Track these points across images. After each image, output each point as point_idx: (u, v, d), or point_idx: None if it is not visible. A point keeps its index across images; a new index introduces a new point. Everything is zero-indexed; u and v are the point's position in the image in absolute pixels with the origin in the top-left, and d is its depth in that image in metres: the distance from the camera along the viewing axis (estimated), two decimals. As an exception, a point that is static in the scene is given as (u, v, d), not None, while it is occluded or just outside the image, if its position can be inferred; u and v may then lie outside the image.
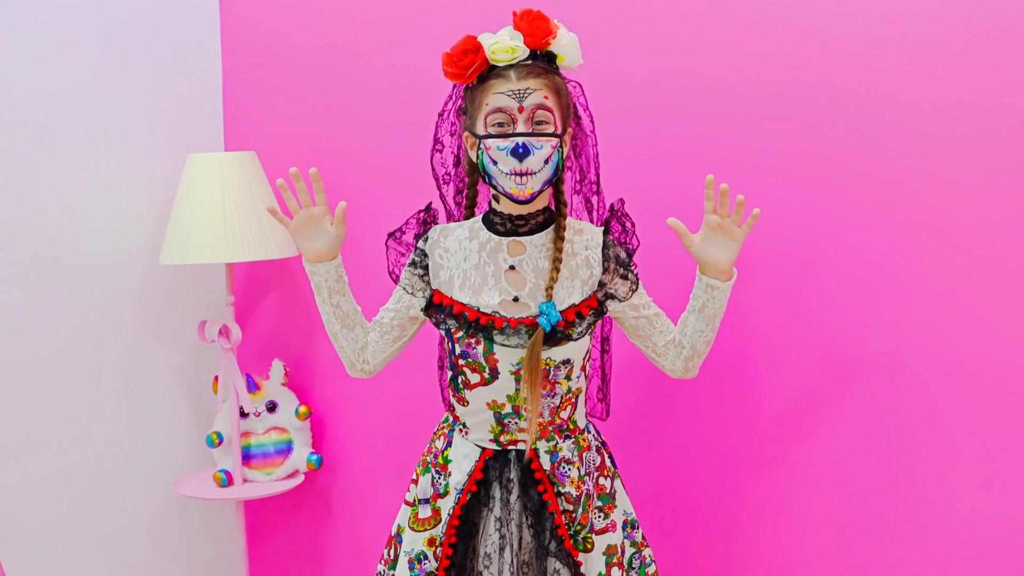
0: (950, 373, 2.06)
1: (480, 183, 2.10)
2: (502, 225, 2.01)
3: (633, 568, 2.14)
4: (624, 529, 2.13)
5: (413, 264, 2.07)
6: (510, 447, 2.04)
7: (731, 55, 2.30)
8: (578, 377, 2.04)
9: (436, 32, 2.52)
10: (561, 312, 1.96)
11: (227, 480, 2.96)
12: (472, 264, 2.02)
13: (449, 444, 2.10)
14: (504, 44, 1.91)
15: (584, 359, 2.04)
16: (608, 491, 2.10)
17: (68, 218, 2.95)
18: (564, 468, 2.04)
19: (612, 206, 2.05)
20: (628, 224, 2.03)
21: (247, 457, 3.01)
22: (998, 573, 2.05)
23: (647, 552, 2.17)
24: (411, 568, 2.10)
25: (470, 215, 2.13)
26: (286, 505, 3.27)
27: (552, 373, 1.99)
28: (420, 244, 2.07)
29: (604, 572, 2.05)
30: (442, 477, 2.09)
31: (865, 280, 2.17)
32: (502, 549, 2.03)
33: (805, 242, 2.23)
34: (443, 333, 2.06)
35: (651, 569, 2.16)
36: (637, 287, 2.02)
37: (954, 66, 2.00)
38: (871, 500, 2.22)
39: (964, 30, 1.98)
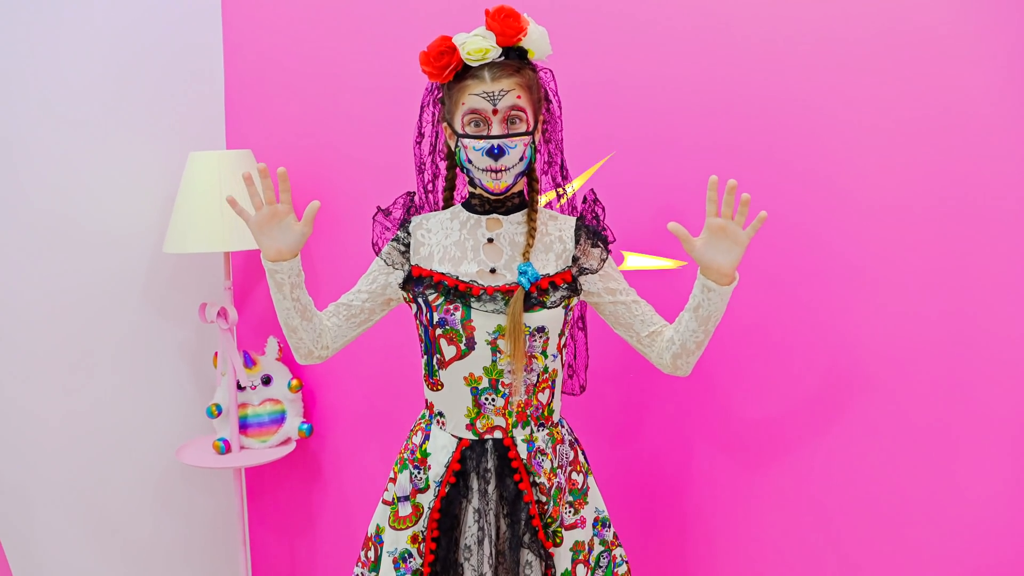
0: (931, 366, 2.04)
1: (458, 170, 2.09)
2: (481, 206, 2.01)
3: (600, 567, 2.09)
4: (594, 527, 2.09)
5: (396, 239, 2.05)
6: (487, 436, 2.00)
7: (709, 54, 2.29)
8: (555, 357, 2.01)
9: (423, 37, 2.49)
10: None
11: (225, 448, 3.02)
12: (452, 240, 2.01)
13: (427, 438, 2.06)
14: (477, 45, 1.90)
15: (560, 338, 2.01)
16: (580, 487, 2.07)
17: (81, 209, 2.98)
18: (539, 458, 2.01)
19: (585, 197, 2.05)
20: (599, 211, 2.03)
21: (244, 426, 3.07)
22: (990, 564, 2.01)
23: (618, 552, 2.13)
24: (396, 567, 2.05)
25: (449, 200, 2.12)
26: (280, 470, 3.33)
27: (528, 343, 1.96)
28: (404, 224, 2.06)
29: (570, 569, 2.02)
30: (421, 472, 2.05)
31: (846, 276, 2.14)
32: (481, 541, 2.00)
33: (788, 240, 2.21)
34: (421, 305, 2.01)
35: (621, 569, 2.12)
36: (607, 255, 2.00)
37: (929, 67, 1.99)
38: (853, 498, 2.19)
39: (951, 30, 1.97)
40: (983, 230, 1.94)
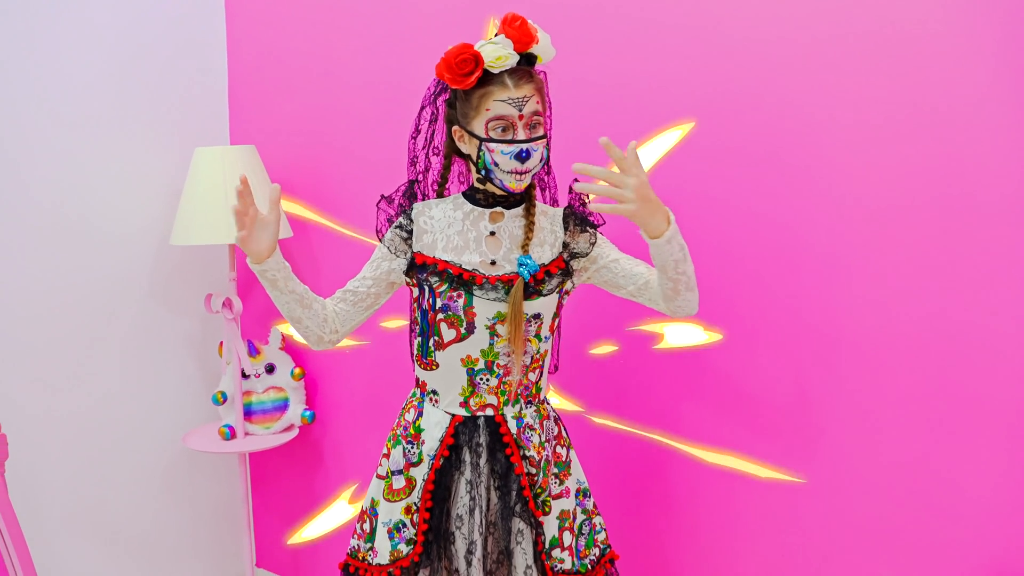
0: (886, 341, 2.12)
1: (453, 167, 2.14)
2: (485, 201, 2.05)
3: (583, 534, 2.17)
4: (576, 496, 2.17)
5: (399, 227, 2.08)
6: (479, 412, 2.07)
7: (683, 55, 2.34)
8: (546, 339, 2.08)
9: (423, 35, 2.56)
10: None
11: (230, 434, 3.05)
12: (456, 230, 2.05)
13: (420, 414, 2.11)
14: (496, 53, 1.92)
15: (553, 320, 2.08)
16: (564, 459, 2.14)
17: (91, 203, 3.00)
18: (528, 433, 2.08)
19: (570, 187, 2.07)
20: (584, 199, 2.07)
21: (248, 413, 3.11)
22: (921, 519, 2.12)
23: (597, 520, 2.20)
24: (391, 537, 2.11)
25: (441, 191, 2.15)
26: (283, 455, 3.38)
27: (524, 328, 2.02)
28: (407, 211, 2.09)
29: (557, 535, 2.10)
30: (414, 447, 2.10)
31: (811, 260, 2.20)
32: (472, 511, 2.05)
33: (781, 236, 2.25)
34: (424, 291, 2.05)
35: (600, 536, 2.20)
36: (597, 238, 2.06)
37: (895, 65, 2.04)
38: (817, 465, 2.26)
39: (919, 28, 2.01)
40: (974, 226, 1.98)
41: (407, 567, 2.08)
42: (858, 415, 2.20)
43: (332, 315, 2.10)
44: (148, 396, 3.22)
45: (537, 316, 2.04)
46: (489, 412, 2.07)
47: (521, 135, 1.95)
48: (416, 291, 2.11)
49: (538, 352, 2.08)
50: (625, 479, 2.58)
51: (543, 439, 2.10)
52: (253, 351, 3.14)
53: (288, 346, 3.22)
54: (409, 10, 2.83)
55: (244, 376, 3.12)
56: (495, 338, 2.02)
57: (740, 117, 2.26)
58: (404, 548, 2.10)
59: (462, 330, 2.03)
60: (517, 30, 1.93)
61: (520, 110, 1.94)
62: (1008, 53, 1.90)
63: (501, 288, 2.01)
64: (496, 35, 1.95)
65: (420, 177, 2.15)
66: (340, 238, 3.05)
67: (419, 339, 2.11)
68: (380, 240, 2.11)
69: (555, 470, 2.12)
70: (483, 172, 2.00)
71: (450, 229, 2.06)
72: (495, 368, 2.04)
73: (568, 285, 2.10)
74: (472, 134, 1.98)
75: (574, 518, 2.15)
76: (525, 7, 2.38)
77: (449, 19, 2.65)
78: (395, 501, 2.11)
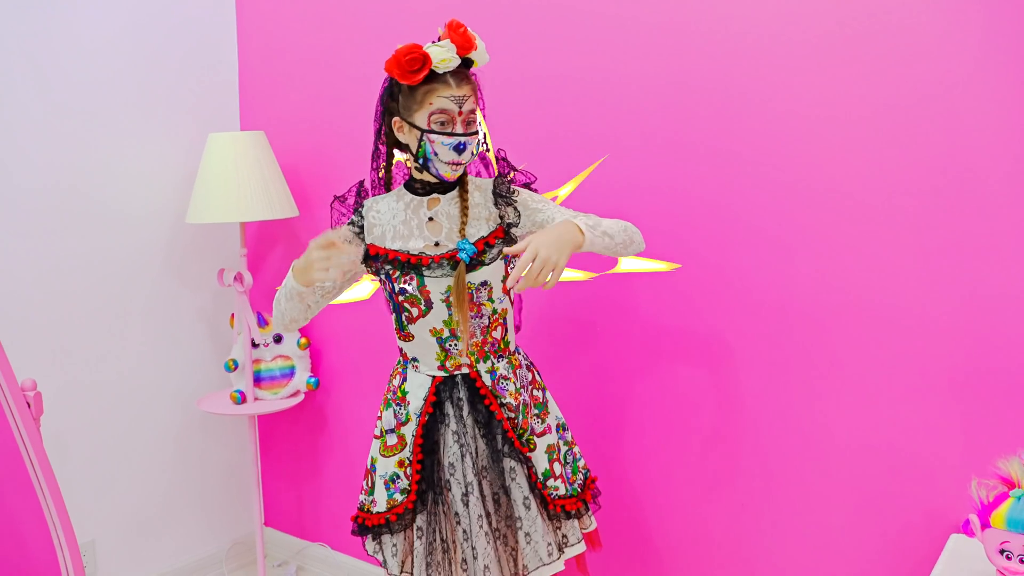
0: (834, 315, 2.25)
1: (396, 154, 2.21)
2: (423, 189, 2.16)
3: (568, 463, 2.28)
4: (557, 431, 2.28)
5: (351, 223, 2.20)
6: (456, 372, 2.18)
7: (641, 51, 2.42)
8: (501, 300, 2.17)
9: (420, 28, 2.58)
10: (474, 244, 2.11)
11: (241, 399, 3.14)
12: (400, 220, 2.16)
13: (404, 379, 2.22)
14: (442, 55, 2.02)
15: (503, 282, 2.16)
16: (541, 400, 2.26)
17: (111, 184, 3.07)
18: (503, 384, 2.18)
19: (496, 157, 2.20)
20: (509, 166, 2.20)
21: (257, 380, 3.19)
22: (870, 476, 2.25)
23: (576, 449, 2.32)
24: (387, 488, 2.21)
25: (388, 182, 2.24)
26: (290, 419, 3.47)
27: (475, 295, 2.11)
28: (358, 209, 2.20)
29: (548, 467, 2.21)
30: (402, 408, 2.21)
31: (764, 241, 2.32)
32: (463, 457, 2.15)
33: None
34: (383, 278, 2.17)
35: (581, 463, 2.32)
36: (519, 212, 2.15)
37: (838, 61, 2.15)
38: (769, 416, 2.39)
39: (853, 29, 2.12)
40: (959, 218, 2.06)
41: (402, 513, 2.20)
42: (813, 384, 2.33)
43: (310, 307, 2.26)
44: (165, 363, 3.28)
45: (485, 283, 2.13)
46: (465, 370, 2.18)
47: (459, 130, 2.07)
48: (377, 279, 2.22)
49: (495, 312, 2.17)
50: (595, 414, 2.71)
51: (518, 386, 2.21)
52: (262, 322, 3.20)
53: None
54: (407, 3, 2.88)
55: (254, 345, 3.18)
56: (451, 309, 2.14)
57: (720, 112, 2.35)
58: (399, 497, 2.21)
59: (422, 307, 2.14)
60: (460, 36, 2.04)
61: (460, 107, 2.06)
62: (992, 48, 1.97)
63: (446, 265, 2.11)
64: (441, 39, 2.05)
65: (377, 170, 2.23)
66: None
67: (394, 315, 2.22)
68: None
69: (535, 411, 2.23)
70: (421, 161, 2.10)
71: (395, 220, 2.17)
72: (459, 334, 2.16)
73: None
74: (414, 125, 2.08)
75: (559, 450, 2.26)
76: (519, 6, 2.54)
77: (448, 12, 2.63)
78: (389, 456, 2.23)
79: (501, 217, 2.17)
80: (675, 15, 2.39)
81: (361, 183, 2.26)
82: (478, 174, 2.29)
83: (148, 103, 3.16)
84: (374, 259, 2.19)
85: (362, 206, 2.23)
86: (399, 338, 2.24)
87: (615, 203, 2.53)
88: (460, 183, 2.18)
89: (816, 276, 2.29)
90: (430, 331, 2.18)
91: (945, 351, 2.14)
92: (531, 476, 2.20)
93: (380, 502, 2.25)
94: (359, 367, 3.23)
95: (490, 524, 2.16)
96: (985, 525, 1.83)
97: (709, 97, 2.37)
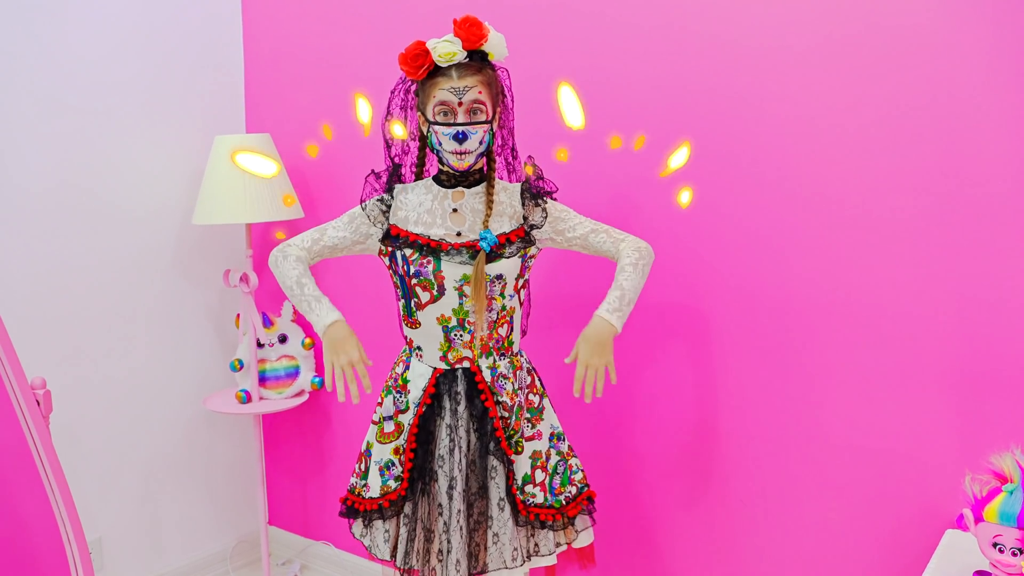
0: (829, 314, 2.26)
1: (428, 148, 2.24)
2: (448, 181, 2.20)
3: (558, 473, 2.28)
4: (551, 440, 2.29)
5: (380, 200, 2.24)
6: (457, 365, 2.20)
7: (648, 56, 2.44)
8: (511, 297, 2.20)
9: (422, 31, 2.40)
10: (495, 236, 2.16)
11: (247, 398, 3.14)
12: (425, 208, 2.20)
13: (407, 368, 2.26)
14: (446, 49, 2.08)
15: (516, 280, 2.20)
16: (536, 406, 2.27)
17: (120, 185, 3.07)
18: (501, 382, 2.21)
19: (524, 163, 2.26)
20: (539, 172, 2.25)
21: (263, 379, 3.20)
22: (865, 474, 2.27)
23: (574, 461, 2.32)
24: (381, 474, 2.25)
25: (420, 171, 2.30)
26: (294, 418, 3.47)
27: (489, 288, 2.15)
28: (389, 189, 2.25)
29: (529, 473, 2.22)
30: (402, 396, 2.24)
31: (760, 242, 2.34)
32: (452, 451, 2.19)
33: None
34: (397, 260, 2.19)
35: (578, 476, 2.32)
36: (548, 213, 2.21)
37: (838, 64, 2.16)
38: (767, 415, 2.40)
39: (846, 38, 2.14)
40: (952, 220, 2.08)
41: (394, 500, 2.23)
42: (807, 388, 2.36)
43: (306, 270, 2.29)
44: (171, 363, 3.29)
45: (500, 277, 2.17)
46: (466, 364, 2.21)
47: (461, 119, 2.10)
48: (387, 260, 2.24)
49: (504, 309, 2.21)
50: (598, 425, 2.71)
51: (516, 387, 2.23)
52: (267, 322, 3.19)
53: (299, 318, 3.25)
54: (410, 7, 2.90)
55: (259, 345, 3.18)
56: (463, 298, 2.17)
57: (731, 122, 2.36)
58: (392, 484, 2.25)
59: (434, 292, 2.17)
60: (466, 30, 2.09)
61: (460, 98, 2.10)
62: (990, 53, 1.99)
63: (465, 253, 2.15)
64: (452, 35, 2.10)
65: (397, 159, 2.29)
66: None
67: (402, 301, 2.24)
68: (361, 206, 2.26)
69: (527, 415, 2.25)
70: (435, 151, 2.16)
71: (420, 208, 2.21)
72: (466, 324, 2.19)
73: (531, 251, 2.23)
74: (425, 118, 2.15)
75: (547, 459, 2.27)
76: (518, 8, 2.56)
77: (453, 15, 2.56)
78: (385, 443, 2.26)
79: (525, 217, 2.21)
80: (677, 19, 2.41)
81: (398, 166, 2.29)
82: (500, 178, 2.30)
83: (156, 106, 3.18)
84: (393, 239, 2.22)
85: (393, 187, 2.26)
86: (406, 325, 2.26)
87: (615, 202, 2.55)
88: (487, 180, 2.22)
89: (812, 276, 2.30)
90: (437, 319, 2.20)
91: (939, 349, 2.16)
92: (509, 479, 2.21)
93: (374, 487, 2.27)
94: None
95: (468, 519, 2.18)
96: (978, 519, 1.85)
97: (709, 99, 2.39)
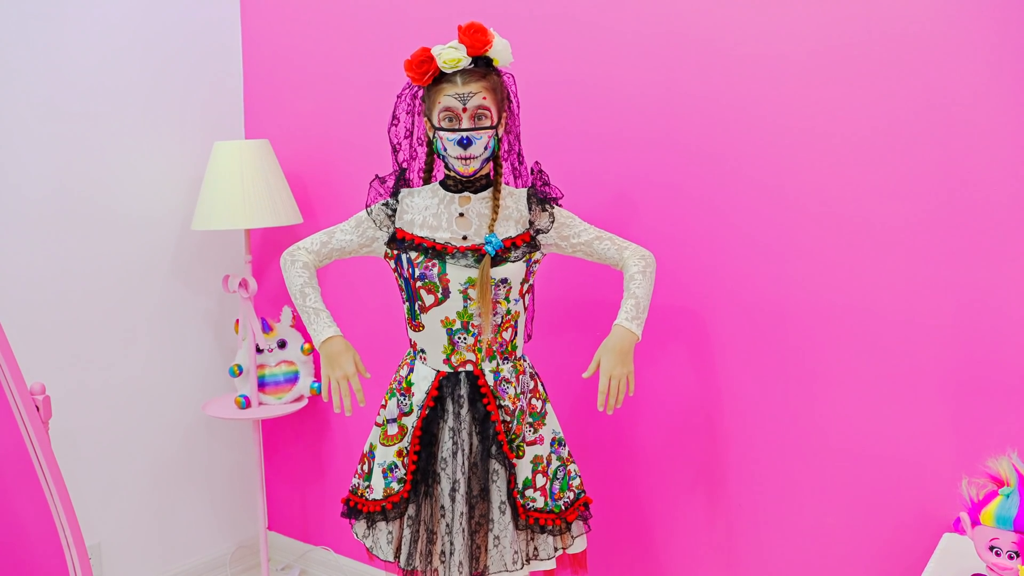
0: (826, 319, 2.27)
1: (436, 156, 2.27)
2: (455, 186, 2.21)
3: (557, 478, 2.28)
4: (552, 445, 2.30)
5: (386, 204, 2.24)
6: (460, 369, 2.20)
7: (646, 63, 2.45)
8: (516, 301, 2.21)
9: (422, 38, 2.58)
10: (501, 240, 2.16)
11: (246, 403, 3.13)
12: (431, 212, 2.21)
13: (411, 370, 2.26)
14: (450, 55, 2.09)
15: (521, 285, 2.20)
16: (539, 411, 2.27)
17: (120, 191, 3.07)
18: (504, 386, 2.21)
19: (532, 168, 2.25)
20: (546, 178, 2.24)
21: (262, 384, 3.19)
22: (863, 478, 2.28)
23: (572, 467, 2.32)
24: (385, 476, 2.26)
25: (428, 176, 2.31)
26: (293, 423, 3.47)
27: (493, 292, 2.15)
28: (395, 193, 2.25)
29: (530, 477, 2.23)
30: (406, 398, 2.25)
31: (759, 245, 2.34)
32: (455, 453, 2.20)
33: (706, 217, 2.40)
34: (403, 264, 2.19)
35: (575, 482, 2.31)
36: (554, 218, 2.21)
37: (831, 77, 2.18)
38: (765, 419, 2.41)
39: (843, 47, 2.16)
40: (949, 223, 2.09)
41: (397, 502, 2.24)
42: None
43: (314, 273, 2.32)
44: (171, 368, 3.28)
45: (505, 280, 2.17)
46: (469, 367, 2.21)
47: (466, 125, 2.11)
48: (393, 263, 2.24)
49: (508, 313, 2.21)
50: (598, 431, 2.70)
51: (518, 391, 2.23)
52: (266, 328, 3.19)
53: (298, 324, 3.24)
54: (409, 14, 2.90)
55: (258, 351, 3.18)
56: (467, 301, 2.17)
57: (730, 126, 2.37)
58: (396, 486, 2.25)
59: (439, 295, 2.17)
60: (471, 36, 2.09)
61: (464, 103, 2.10)
62: (998, 59, 1.99)
63: (471, 256, 2.15)
64: (456, 41, 2.11)
65: (405, 164, 2.29)
66: (343, 220, 2.79)
67: (407, 304, 2.24)
68: (367, 210, 2.26)
69: (529, 420, 2.25)
70: (440, 157, 2.17)
71: (426, 212, 2.22)
72: (470, 328, 2.19)
73: (536, 256, 2.23)
74: (431, 124, 2.16)
75: (548, 463, 2.27)
76: (516, 16, 2.57)
77: (453, 23, 2.50)
78: (389, 445, 2.27)
79: (531, 222, 2.21)
80: (677, 27, 2.42)
81: (404, 171, 2.29)
82: (506, 183, 2.30)
83: (155, 112, 3.18)
84: (399, 243, 2.22)
85: (399, 192, 2.26)
86: (410, 328, 2.27)
87: (615, 202, 2.56)
88: (494, 185, 2.23)
89: (810, 281, 2.31)
90: (441, 321, 2.20)
91: (936, 353, 2.17)
92: (511, 482, 2.22)
93: (377, 489, 2.28)
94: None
95: (470, 521, 2.18)
96: (975, 523, 1.85)
97: (710, 104, 2.40)
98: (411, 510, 2.25)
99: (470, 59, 2.11)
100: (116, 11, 3.05)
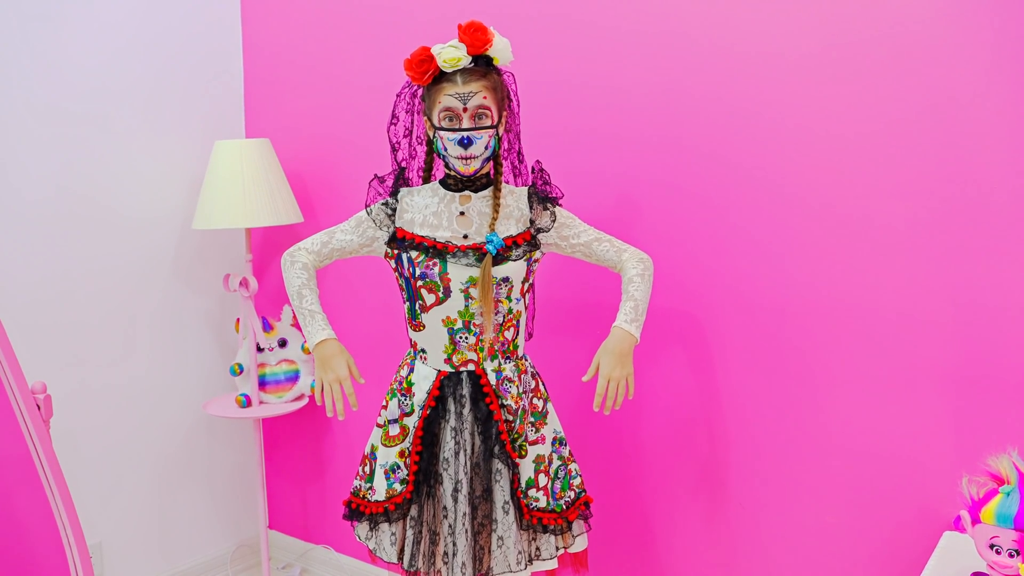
0: (828, 318, 2.28)
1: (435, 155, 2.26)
2: (455, 185, 2.20)
3: (559, 477, 2.28)
4: (553, 444, 2.29)
5: (385, 204, 2.23)
6: (461, 368, 2.19)
7: (649, 63, 2.46)
8: (517, 300, 2.20)
9: (422, 38, 2.53)
10: (502, 239, 2.15)
11: (247, 402, 3.15)
12: (431, 211, 2.20)
13: (412, 371, 2.25)
14: (451, 54, 2.07)
15: (522, 284, 2.20)
16: (540, 410, 2.27)
17: (121, 190, 3.07)
18: (506, 385, 2.20)
19: (532, 167, 2.24)
20: (547, 177, 2.23)
21: (262, 383, 3.20)
22: (863, 477, 2.29)
23: (573, 466, 2.32)
24: (387, 477, 2.25)
25: (428, 175, 2.30)
26: (294, 422, 3.47)
27: (495, 291, 2.15)
28: (394, 192, 2.24)
29: (533, 476, 2.22)
30: (407, 399, 2.24)
31: (759, 244, 2.35)
32: (457, 453, 2.19)
33: (712, 216, 2.41)
34: (403, 263, 2.18)
35: (576, 481, 2.32)
36: (556, 216, 2.21)
37: (833, 76, 2.19)
38: (765, 418, 2.41)
39: (846, 46, 2.17)
40: (948, 221, 2.09)
41: (400, 503, 2.23)
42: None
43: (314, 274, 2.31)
44: (172, 368, 3.29)
45: (506, 279, 2.16)
46: (471, 367, 2.20)
47: (466, 125, 2.10)
48: (393, 263, 2.23)
49: (510, 312, 2.20)
50: (600, 429, 2.70)
51: (520, 391, 2.22)
52: (267, 327, 3.19)
53: (299, 323, 3.08)
54: (409, 14, 2.91)
55: (259, 350, 3.18)
56: (469, 300, 2.16)
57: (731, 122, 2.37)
58: (398, 487, 2.24)
59: (440, 294, 2.16)
60: (471, 35, 2.08)
61: (465, 103, 2.09)
62: (999, 60, 2.00)
63: (472, 255, 2.14)
64: (456, 40, 2.10)
65: (404, 163, 2.28)
66: (344, 219, 2.69)
67: (407, 304, 2.23)
68: (366, 210, 2.25)
69: (531, 419, 2.24)
70: (441, 156, 2.16)
71: (427, 210, 2.21)
72: (471, 327, 2.18)
73: (536, 254, 2.22)
74: (431, 123, 2.14)
75: (550, 463, 2.27)
76: (516, 16, 2.57)
77: (452, 22, 2.52)
78: (391, 446, 2.25)
79: (532, 221, 2.21)
80: (677, 27, 2.43)
81: (403, 170, 2.28)
82: (507, 182, 2.30)
83: (156, 112, 3.18)
84: (399, 242, 2.21)
85: (398, 191, 2.25)
86: (410, 328, 2.26)
87: (616, 202, 2.57)
88: (495, 184, 2.21)
89: (811, 281, 2.31)
90: (443, 320, 2.19)
91: (937, 352, 2.17)
92: (514, 482, 2.21)
93: (379, 490, 2.27)
94: (363, 371, 3.00)
95: (472, 522, 2.18)
96: (975, 521, 1.86)
97: (712, 103, 2.40)
98: (414, 511, 2.24)
99: (470, 58, 2.10)
100: (116, 11, 3.05)
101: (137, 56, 3.11)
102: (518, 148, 2.29)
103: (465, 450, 2.19)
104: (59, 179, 2.94)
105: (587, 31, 2.57)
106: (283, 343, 3.25)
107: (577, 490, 2.32)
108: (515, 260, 2.16)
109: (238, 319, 3.22)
